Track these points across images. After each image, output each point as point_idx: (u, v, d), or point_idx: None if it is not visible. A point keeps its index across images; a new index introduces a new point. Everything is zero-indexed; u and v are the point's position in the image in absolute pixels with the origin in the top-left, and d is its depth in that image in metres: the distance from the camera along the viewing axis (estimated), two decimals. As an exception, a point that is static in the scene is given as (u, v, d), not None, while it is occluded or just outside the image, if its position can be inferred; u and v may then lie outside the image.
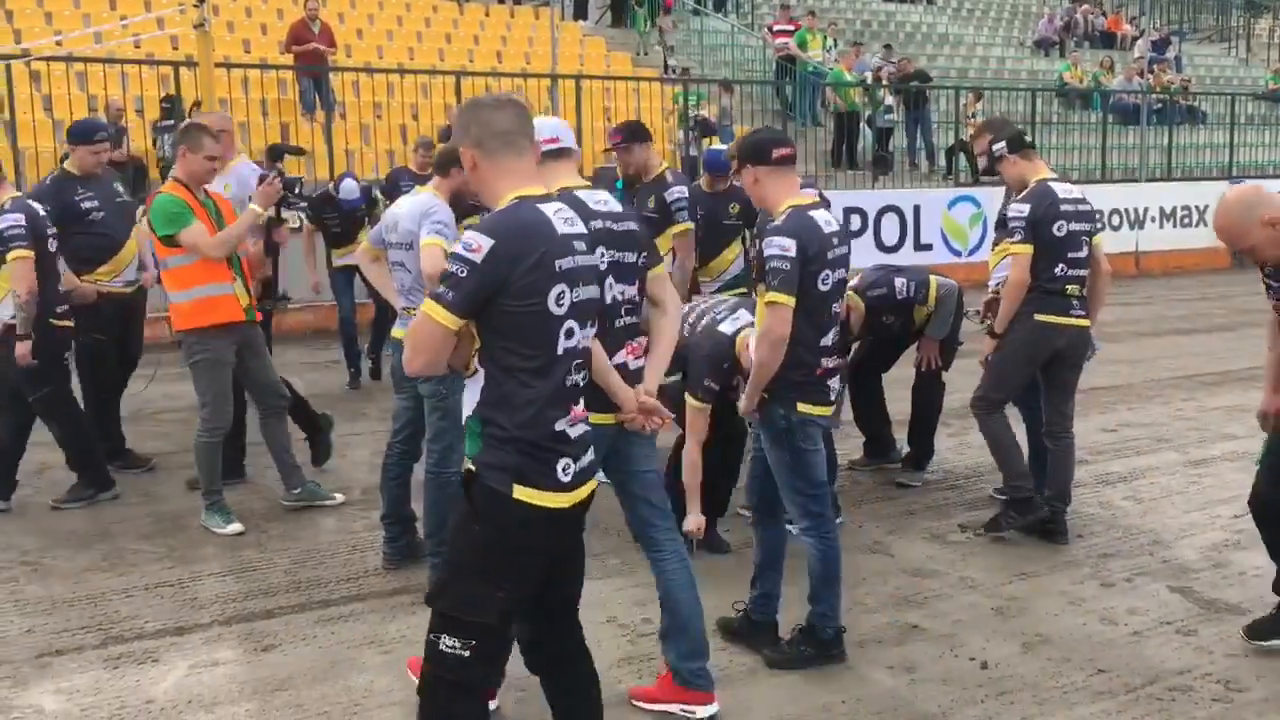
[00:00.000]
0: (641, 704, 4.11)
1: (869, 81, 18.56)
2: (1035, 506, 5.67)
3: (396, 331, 5.41)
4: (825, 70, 18.83)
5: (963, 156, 17.42)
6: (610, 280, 3.70)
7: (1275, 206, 4.07)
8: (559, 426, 2.99)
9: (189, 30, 11.32)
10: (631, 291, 3.86)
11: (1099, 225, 5.76)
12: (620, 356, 3.81)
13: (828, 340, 4.28)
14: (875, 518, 6.15)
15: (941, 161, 18.41)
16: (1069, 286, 5.52)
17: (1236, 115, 20.28)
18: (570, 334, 2.99)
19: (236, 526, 5.87)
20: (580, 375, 3.08)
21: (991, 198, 5.97)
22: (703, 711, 4.03)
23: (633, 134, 6.59)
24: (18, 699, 4.21)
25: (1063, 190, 5.55)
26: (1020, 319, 5.52)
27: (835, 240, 4.26)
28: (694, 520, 5.01)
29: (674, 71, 18.33)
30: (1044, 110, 19.28)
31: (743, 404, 4.40)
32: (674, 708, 4.05)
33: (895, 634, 4.73)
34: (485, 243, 2.86)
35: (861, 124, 17.89)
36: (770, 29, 19.71)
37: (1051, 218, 5.43)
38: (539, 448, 2.96)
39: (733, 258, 6.89)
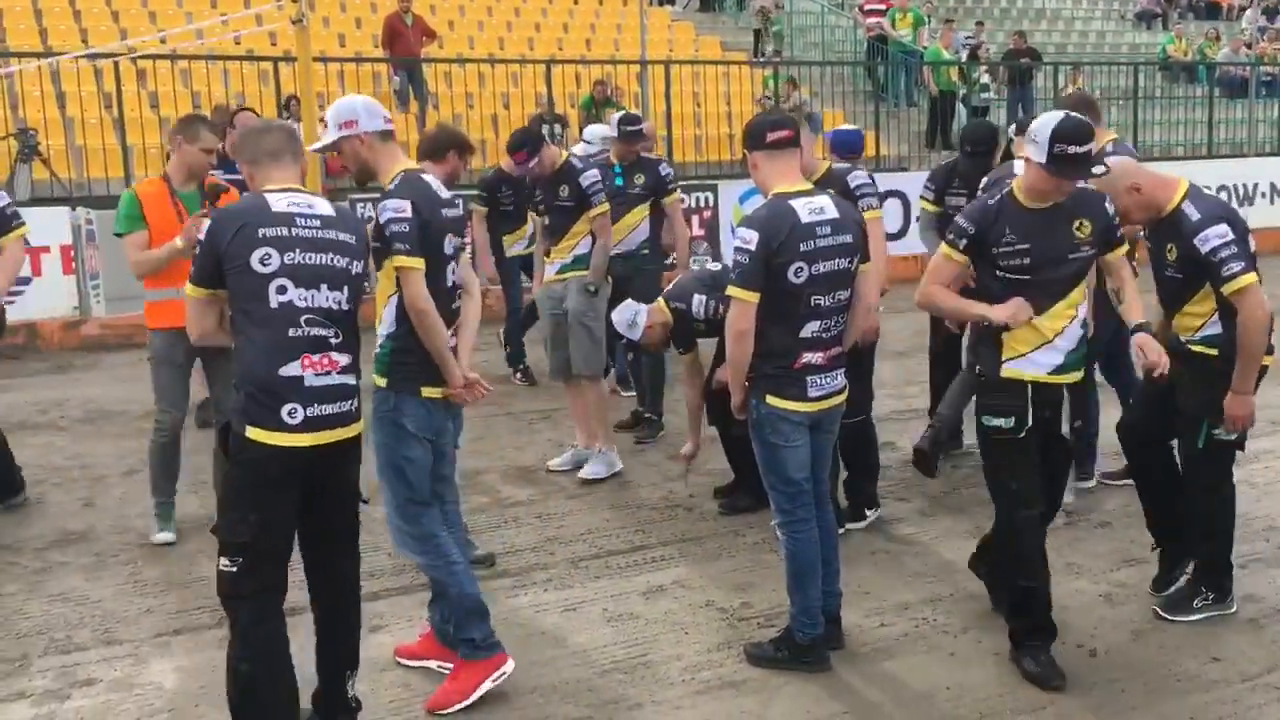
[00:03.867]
0: (403, 660, 4.39)
1: (964, 59, 18.20)
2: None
3: None
4: (918, 49, 18.51)
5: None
6: (451, 264, 4.10)
7: (1139, 175, 4.45)
8: (285, 372, 3.48)
9: (287, 26, 11.56)
10: (457, 277, 4.18)
11: None
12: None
13: (809, 333, 4.11)
14: (976, 502, 6.05)
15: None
16: None
17: (1352, 85, 19.48)
18: (283, 290, 3.50)
19: (169, 536, 5.71)
20: (317, 330, 3.54)
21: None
22: (508, 668, 4.20)
23: (533, 147, 6.51)
24: (140, 676, 4.38)
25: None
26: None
27: (823, 229, 4.07)
28: None
29: (763, 54, 18.19)
30: (1147, 85, 18.72)
31: (733, 401, 4.31)
32: (432, 663, 4.33)
33: (999, 622, 4.63)
34: (205, 225, 3.61)
35: (957, 103, 17.56)
36: (861, 9, 19.44)
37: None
38: (263, 392, 3.48)
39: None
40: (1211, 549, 4.65)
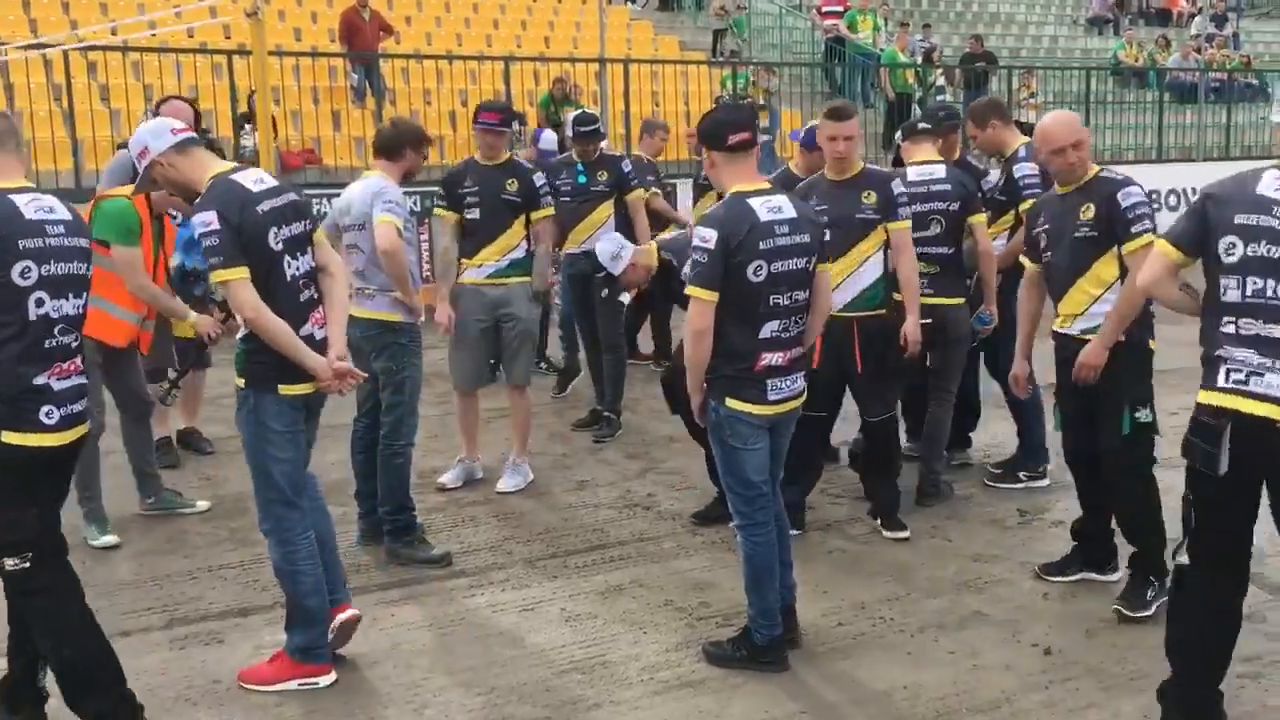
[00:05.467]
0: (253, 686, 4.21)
1: (919, 62, 18.34)
2: (942, 494, 6.07)
3: (353, 309, 5.41)
4: (875, 51, 18.63)
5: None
6: (288, 257, 4.02)
7: (1084, 134, 4.68)
8: (38, 381, 3.55)
9: (241, 19, 11.41)
10: (310, 263, 4.13)
11: (975, 206, 5.91)
12: (306, 329, 4.06)
13: (768, 333, 4.11)
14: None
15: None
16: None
17: (1298, 92, 19.85)
18: (41, 303, 3.54)
19: (110, 539, 5.57)
20: (68, 338, 3.65)
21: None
22: (323, 680, 4.22)
23: (508, 115, 6.37)
24: (87, 678, 4.29)
25: (915, 173, 5.84)
26: None
27: (781, 228, 4.08)
28: None
29: (722, 54, 18.22)
30: (1098, 90, 18.95)
31: (692, 404, 4.30)
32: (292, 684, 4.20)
33: (956, 620, 4.69)
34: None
35: (914, 105, 17.69)
36: (819, 10, 19.52)
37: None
38: (18, 398, 3.52)
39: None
40: (1152, 540, 4.69)
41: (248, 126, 12.30)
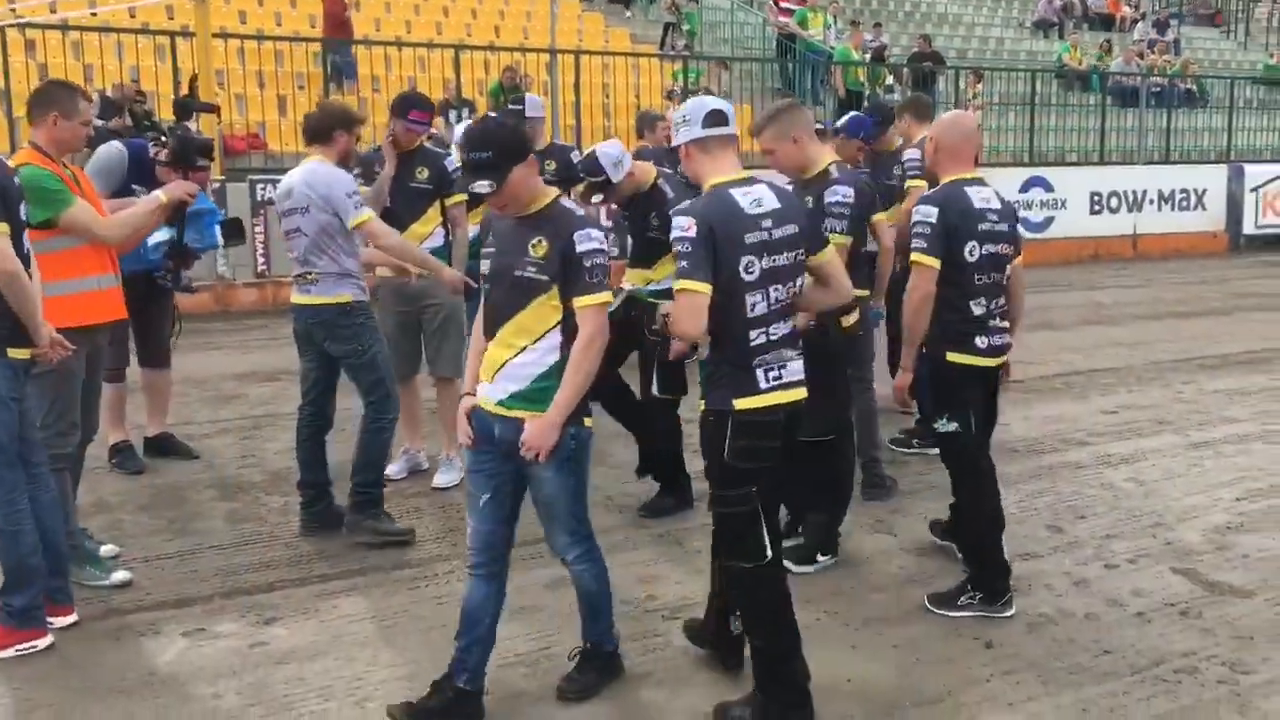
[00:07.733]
0: None
1: (868, 59, 18.46)
2: (887, 487, 6.17)
3: (295, 297, 5.42)
4: (825, 49, 18.73)
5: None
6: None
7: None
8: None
9: (185, 0, 11.21)
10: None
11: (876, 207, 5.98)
12: None
13: None
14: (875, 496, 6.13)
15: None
16: None
17: (1235, 99, 20.23)
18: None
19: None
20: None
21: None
22: (41, 643, 4.30)
23: (432, 110, 6.35)
24: (20, 670, 4.19)
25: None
26: None
27: None
28: None
29: (673, 48, 18.23)
30: (1043, 91, 19.21)
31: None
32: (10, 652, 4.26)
33: (899, 614, 4.72)
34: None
35: (865, 103, 17.81)
36: (775, 5, 19.58)
37: None
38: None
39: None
40: (970, 542, 4.86)
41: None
